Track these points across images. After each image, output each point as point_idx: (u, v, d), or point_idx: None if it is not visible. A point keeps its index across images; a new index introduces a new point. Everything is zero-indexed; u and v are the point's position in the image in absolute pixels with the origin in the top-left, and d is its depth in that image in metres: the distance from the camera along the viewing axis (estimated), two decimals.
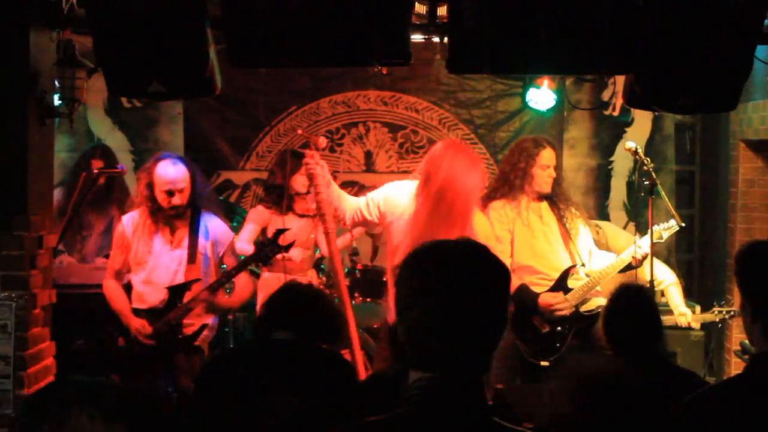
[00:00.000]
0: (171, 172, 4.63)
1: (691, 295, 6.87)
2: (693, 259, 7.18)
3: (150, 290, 4.68)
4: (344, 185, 6.58)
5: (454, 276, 1.65)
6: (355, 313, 4.65)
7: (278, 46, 3.74)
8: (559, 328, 4.90)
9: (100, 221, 5.87)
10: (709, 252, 6.78)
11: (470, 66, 3.99)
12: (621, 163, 7.13)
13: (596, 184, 7.06)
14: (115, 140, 6.92)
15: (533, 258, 4.94)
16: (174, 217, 4.69)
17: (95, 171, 5.40)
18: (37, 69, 4.07)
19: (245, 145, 7.12)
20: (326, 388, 3.10)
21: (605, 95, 6.98)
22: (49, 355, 4.31)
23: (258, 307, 5.47)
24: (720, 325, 5.52)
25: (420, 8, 4.19)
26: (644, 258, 4.87)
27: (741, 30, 3.70)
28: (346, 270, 5.67)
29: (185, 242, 4.71)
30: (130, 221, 4.77)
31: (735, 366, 6.09)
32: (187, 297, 4.58)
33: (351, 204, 4.59)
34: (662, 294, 5.66)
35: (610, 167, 7.16)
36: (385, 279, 5.83)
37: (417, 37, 4.22)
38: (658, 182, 5.01)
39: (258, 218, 5.59)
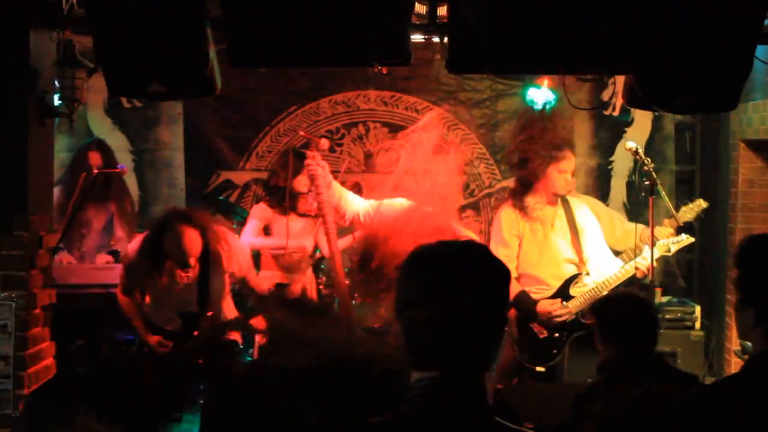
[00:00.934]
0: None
1: (691, 294, 6.88)
2: (693, 259, 7.18)
3: (159, 313, 4.67)
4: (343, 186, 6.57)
5: (454, 276, 1.66)
6: (354, 313, 4.66)
7: (278, 46, 3.74)
8: (557, 334, 4.89)
9: (99, 219, 5.87)
10: (709, 252, 6.78)
11: (470, 66, 3.99)
12: (621, 163, 7.13)
13: (596, 184, 7.06)
14: (115, 140, 6.91)
15: (538, 268, 4.94)
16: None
17: (95, 171, 5.40)
18: (37, 69, 4.07)
19: (245, 145, 7.11)
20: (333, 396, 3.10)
21: (605, 95, 6.98)
22: (49, 355, 4.31)
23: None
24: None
25: (420, 8, 4.19)
26: (649, 270, 4.84)
27: (741, 30, 3.70)
28: (346, 270, 5.66)
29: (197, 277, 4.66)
30: (135, 250, 4.67)
31: (735, 366, 6.09)
32: (202, 324, 4.54)
33: (352, 206, 4.60)
34: (662, 293, 5.67)
35: (610, 167, 7.16)
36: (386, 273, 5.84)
37: (417, 37, 4.22)
38: (658, 182, 5.01)
39: (261, 215, 5.58)
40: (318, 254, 5.86)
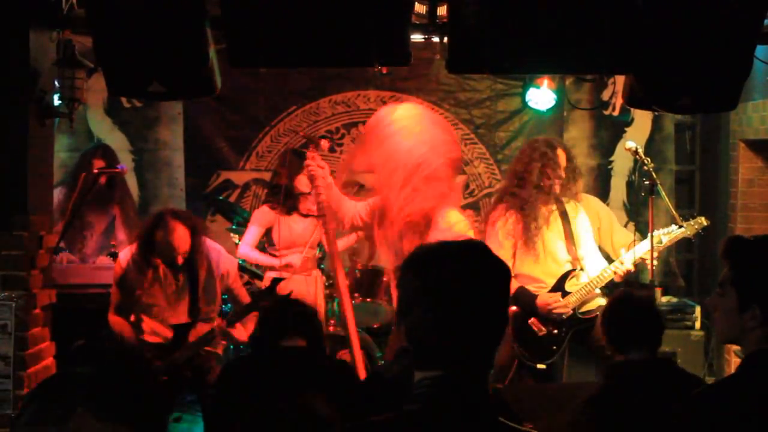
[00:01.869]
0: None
1: (691, 294, 6.87)
2: (693, 259, 7.18)
3: (153, 321, 4.66)
4: (344, 186, 6.57)
5: (456, 275, 1.66)
6: (354, 313, 4.66)
7: (278, 46, 3.74)
8: (556, 331, 4.89)
9: (101, 220, 5.87)
10: (709, 252, 6.77)
11: (470, 66, 3.99)
12: (621, 163, 7.13)
13: (596, 184, 7.05)
14: (115, 140, 6.91)
15: (534, 266, 4.94)
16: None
17: (95, 171, 5.40)
18: (37, 69, 4.07)
19: (245, 145, 7.11)
20: (335, 395, 3.12)
21: (605, 95, 6.98)
22: (49, 355, 4.31)
23: None
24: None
25: (420, 8, 4.19)
26: (627, 274, 4.87)
27: (741, 30, 3.70)
28: (345, 270, 5.67)
29: (187, 284, 4.69)
30: (126, 260, 4.71)
31: (735, 366, 6.07)
32: (192, 335, 4.56)
33: (351, 208, 4.60)
34: (662, 293, 5.67)
35: (610, 167, 7.16)
36: (385, 279, 5.84)
37: (417, 37, 4.22)
38: (658, 182, 5.01)
39: (262, 219, 5.57)
40: (319, 253, 5.86)
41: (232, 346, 5.23)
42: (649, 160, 5.11)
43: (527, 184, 4.92)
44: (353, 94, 7.11)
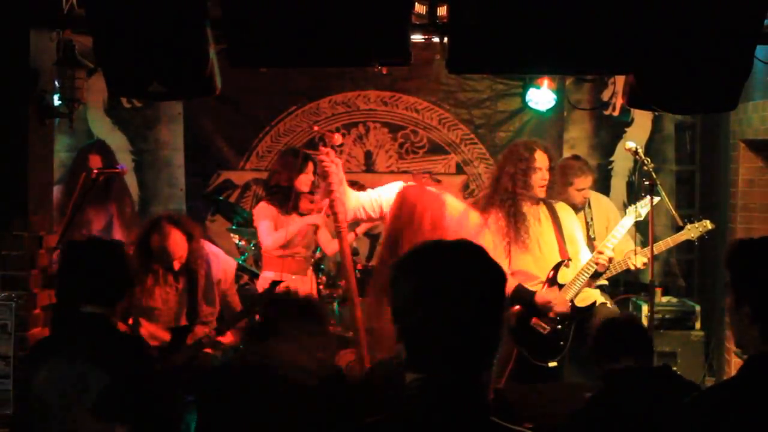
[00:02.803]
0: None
1: (691, 294, 6.88)
2: (693, 258, 7.18)
3: (152, 325, 4.64)
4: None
5: (450, 278, 1.65)
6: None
7: (278, 46, 3.74)
8: (559, 326, 4.90)
9: (99, 219, 5.88)
10: (709, 252, 6.77)
11: (470, 66, 3.99)
12: (621, 163, 7.14)
13: (596, 184, 7.06)
14: (115, 140, 6.92)
15: (530, 264, 4.96)
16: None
17: (96, 171, 5.40)
18: (37, 69, 4.06)
19: (245, 145, 7.12)
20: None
21: (605, 95, 6.99)
22: None
23: None
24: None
25: (420, 8, 4.19)
26: (609, 262, 4.93)
27: (741, 30, 3.70)
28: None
29: (186, 288, 4.66)
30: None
31: (735, 366, 6.09)
32: (190, 339, 4.54)
33: (353, 200, 4.59)
34: (662, 294, 5.69)
35: (610, 167, 7.16)
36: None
37: (417, 37, 4.21)
38: (658, 182, 5.01)
39: (268, 214, 5.54)
40: (318, 254, 5.85)
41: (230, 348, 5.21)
42: (649, 160, 5.11)
43: (507, 186, 4.94)
44: (353, 94, 7.12)
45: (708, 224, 5.12)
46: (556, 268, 4.94)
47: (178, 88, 3.87)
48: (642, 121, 7.03)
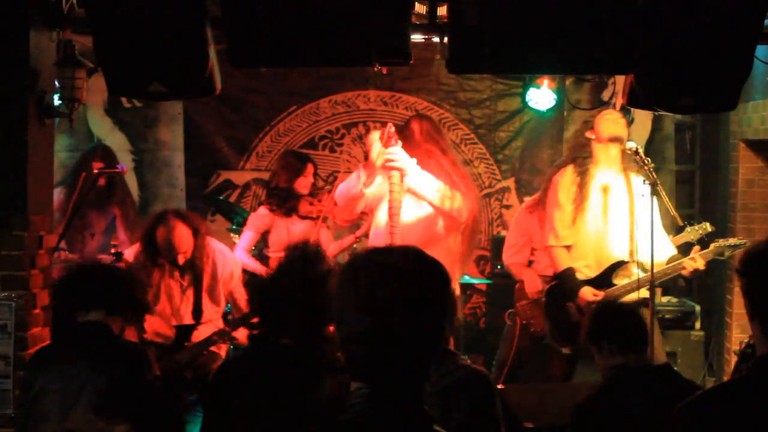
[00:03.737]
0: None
1: (691, 294, 6.87)
2: None
3: (156, 321, 4.62)
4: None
5: (388, 289, 1.61)
6: None
7: (278, 46, 3.74)
8: None
9: (101, 220, 5.87)
10: None
11: (470, 66, 3.99)
12: None
13: None
14: (115, 140, 6.91)
15: (584, 243, 4.85)
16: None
17: (95, 171, 5.40)
18: (37, 69, 4.06)
19: (245, 145, 7.12)
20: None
21: (605, 95, 6.98)
22: None
23: None
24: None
25: (420, 8, 4.19)
26: (695, 272, 4.75)
27: (741, 30, 3.70)
28: None
29: (191, 285, 4.65)
30: (132, 258, 4.69)
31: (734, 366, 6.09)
32: (195, 337, 4.52)
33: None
34: (662, 294, 5.68)
35: None
36: None
37: (417, 37, 4.21)
38: (658, 182, 5.00)
39: (260, 223, 5.55)
40: None
41: (232, 347, 5.22)
42: (649, 160, 5.10)
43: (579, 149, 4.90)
44: (353, 94, 7.12)
45: (708, 226, 5.10)
46: (614, 268, 4.81)
47: (178, 88, 3.87)
48: (642, 121, 7.02)
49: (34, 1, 4.05)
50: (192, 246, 4.59)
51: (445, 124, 7.13)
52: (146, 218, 6.15)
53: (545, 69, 4.85)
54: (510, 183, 7.18)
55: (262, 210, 5.62)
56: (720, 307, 6.48)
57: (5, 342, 4.00)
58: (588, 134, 4.93)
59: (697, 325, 6.12)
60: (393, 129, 4.45)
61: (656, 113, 6.74)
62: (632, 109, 6.48)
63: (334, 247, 5.70)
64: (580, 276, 4.86)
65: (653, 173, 4.95)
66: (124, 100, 6.89)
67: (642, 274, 4.75)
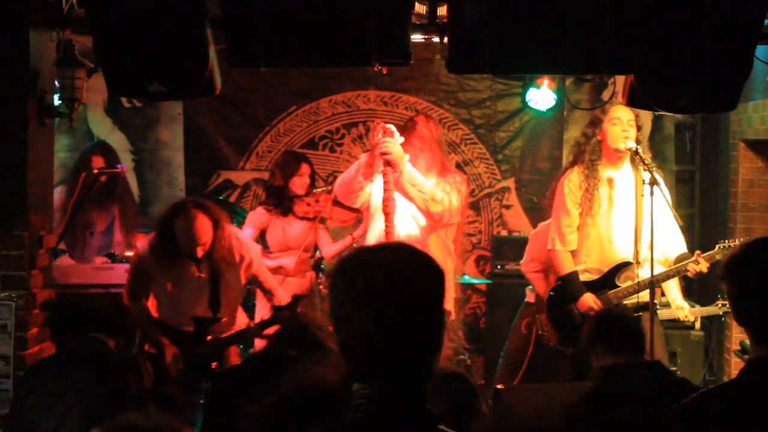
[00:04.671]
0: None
1: (691, 294, 6.86)
2: None
3: (170, 317, 4.53)
4: None
5: (382, 284, 1.61)
6: None
7: (278, 46, 3.74)
8: None
9: (102, 220, 5.87)
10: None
11: (470, 66, 3.99)
12: None
13: None
14: (115, 140, 6.91)
15: (591, 245, 4.84)
16: None
17: (95, 171, 5.40)
18: (37, 69, 4.07)
19: (245, 145, 7.12)
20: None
21: (605, 95, 6.97)
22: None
23: (255, 314, 5.43)
24: (723, 318, 5.48)
25: (420, 8, 4.19)
26: (699, 273, 4.73)
27: (741, 30, 3.70)
28: None
29: (209, 277, 4.52)
30: (144, 248, 4.54)
31: (735, 366, 6.09)
32: (212, 330, 4.42)
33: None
34: (662, 293, 5.66)
35: None
36: None
37: (417, 37, 4.22)
38: (659, 181, 4.99)
39: (257, 221, 5.55)
40: (318, 254, 5.85)
41: (242, 346, 5.17)
42: (650, 158, 5.10)
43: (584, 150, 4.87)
44: (353, 94, 7.11)
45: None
46: (618, 269, 4.78)
47: (178, 88, 3.87)
48: (642, 121, 7.01)
49: (34, 1, 4.05)
50: (212, 238, 4.42)
51: (445, 124, 7.12)
52: (145, 218, 6.16)
53: (545, 69, 4.85)
54: (510, 183, 7.18)
55: (260, 209, 5.61)
56: None
57: (5, 342, 4.01)
58: (598, 135, 4.90)
59: (697, 325, 6.11)
60: (394, 127, 4.55)
61: (656, 113, 6.74)
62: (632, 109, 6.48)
63: (332, 249, 5.70)
64: (583, 278, 4.85)
65: (653, 172, 4.93)
66: (124, 100, 6.89)
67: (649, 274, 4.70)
